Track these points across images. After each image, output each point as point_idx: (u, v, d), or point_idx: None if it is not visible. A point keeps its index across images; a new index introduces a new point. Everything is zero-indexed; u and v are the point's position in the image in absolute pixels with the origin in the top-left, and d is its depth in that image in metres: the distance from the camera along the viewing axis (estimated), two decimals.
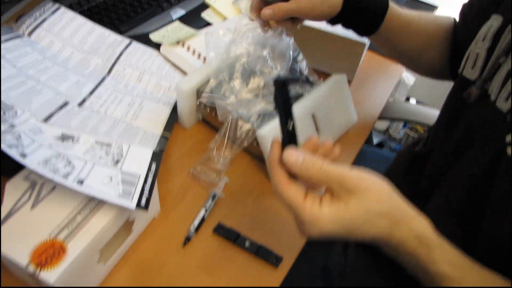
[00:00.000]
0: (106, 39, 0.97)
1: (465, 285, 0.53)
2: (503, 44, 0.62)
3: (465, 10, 0.83)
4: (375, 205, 0.51)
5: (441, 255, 0.54)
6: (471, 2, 0.81)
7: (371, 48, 1.12)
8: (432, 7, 1.32)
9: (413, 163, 0.83)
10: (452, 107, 0.76)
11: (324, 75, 1.02)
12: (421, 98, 2.02)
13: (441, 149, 0.75)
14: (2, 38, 0.85)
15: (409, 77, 1.87)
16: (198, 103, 0.82)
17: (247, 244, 0.68)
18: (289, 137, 0.54)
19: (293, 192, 0.51)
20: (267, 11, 0.73)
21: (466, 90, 0.69)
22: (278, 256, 0.68)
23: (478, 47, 0.67)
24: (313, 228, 0.50)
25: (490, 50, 0.65)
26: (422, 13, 0.84)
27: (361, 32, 0.82)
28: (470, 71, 0.68)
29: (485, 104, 0.64)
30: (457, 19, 0.85)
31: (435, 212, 0.65)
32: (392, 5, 0.79)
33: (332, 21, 0.78)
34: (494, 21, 0.65)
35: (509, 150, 0.56)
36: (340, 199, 0.50)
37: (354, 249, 0.82)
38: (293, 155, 0.52)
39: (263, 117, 0.78)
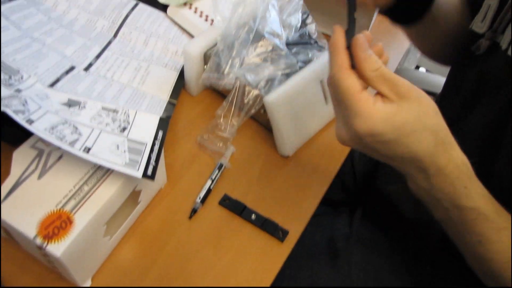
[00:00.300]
0: (112, 0, 0.95)
1: (500, 225, 0.52)
2: None
3: None
4: (425, 116, 0.49)
5: (478, 189, 0.52)
6: None
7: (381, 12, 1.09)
8: None
9: None
10: (462, 63, 0.73)
11: None
12: (430, 67, 1.98)
13: (450, 105, 0.73)
14: None
15: None
16: (205, 67, 0.80)
17: (253, 217, 0.68)
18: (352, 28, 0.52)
19: (353, 80, 0.48)
20: None
21: (475, 43, 0.68)
22: (284, 230, 0.68)
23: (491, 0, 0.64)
24: (365, 123, 0.47)
25: (503, 2, 0.63)
26: None
27: (408, 19, 0.77)
28: (479, 25, 0.66)
29: (496, 54, 0.63)
30: None
31: None
32: None
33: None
34: None
35: None
36: (392, 102, 0.48)
37: (359, 219, 0.82)
38: (364, 43, 0.49)
39: (272, 83, 0.76)
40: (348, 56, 0.50)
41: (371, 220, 0.82)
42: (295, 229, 0.69)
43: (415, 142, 0.49)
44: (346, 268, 0.77)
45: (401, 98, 0.48)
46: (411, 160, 0.51)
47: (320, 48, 0.85)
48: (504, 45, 0.61)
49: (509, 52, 0.60)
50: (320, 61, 0.78)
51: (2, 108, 0.55)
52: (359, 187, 0.92)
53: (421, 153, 0.50)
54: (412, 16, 0.75)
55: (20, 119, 0.56)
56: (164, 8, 0.97)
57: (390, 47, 1.03)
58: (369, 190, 0.87)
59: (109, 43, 0.87)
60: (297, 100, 0.75)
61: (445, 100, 0.77)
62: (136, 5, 0.96)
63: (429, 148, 0.50)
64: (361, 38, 0.49)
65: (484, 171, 0.60)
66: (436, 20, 0.75)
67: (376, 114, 0.47)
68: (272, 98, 0.71)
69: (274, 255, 0.66)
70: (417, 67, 2.00)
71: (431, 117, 0.50)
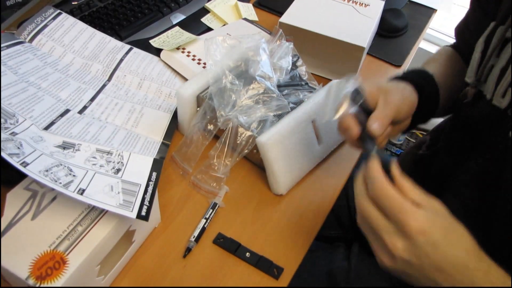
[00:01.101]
0: (107, 45, 0.97)
1: None
2: (494, 45, 0.64)
3: (461, 27, 0.85)
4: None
5: (497, 273, 0.51)
6: (466, 19, 0.83)
7: (370, 52, 1.12)
8: (431, 10, 1.32)
9: (417, 165, 0.84)
10: (453, 110, 0.77)
11: (324, 80, 1.02)
12: None
13: (445, 150, 0.76)
14: (4, 44, 0.85)
15: None
16: (198, 110, 0.82)
17: (247, 255, 0.68)
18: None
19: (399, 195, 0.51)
20: (375, 124, 0.62)
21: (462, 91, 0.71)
22: (278, 268, 0.68)
23: (476, 51, 0.68)
24: (416, 220, 0.49)
25: (484, 53, 0.67)
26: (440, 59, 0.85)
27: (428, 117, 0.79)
28: (469, 75, 0.69)
29: (482, 103, 0.66)
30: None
31: None
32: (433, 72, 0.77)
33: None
34: (490, 26, 0.67)
35: None
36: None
37: (357, 253, 0.82)
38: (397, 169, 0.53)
39: (264, 124, 0.78)
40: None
41: (368, 255, 0.82)
42: (290, 266, 0.69)
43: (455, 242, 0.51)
44: None
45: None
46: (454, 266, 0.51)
47: (311, 89, 0.87)
48: (488, 95, 0.65)
49: (494, 102, 0.63)
50: (312, 101, 0.80)
51: None
52: (355, 223, 0.92)
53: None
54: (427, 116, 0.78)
55: (14, 162, 0.57)
56: (157, 52, 1.00)
57: None
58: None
59: (103, 86, 0.88)
60: (289, 140, 0.76)
61: (440, 144, 0.79)
62: (130, 49, 0.98)
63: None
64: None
65: (482, 220, 0.62)
66: (443, 99, 0.78)
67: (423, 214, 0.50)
68: (265, 139, 0.73)
69: None
70: None
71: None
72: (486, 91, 0.65)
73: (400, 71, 1.10)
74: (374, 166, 0.54)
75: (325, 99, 0.70)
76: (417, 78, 0.74)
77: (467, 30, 0.82)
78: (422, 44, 1.76)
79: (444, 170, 0.74)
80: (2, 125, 0.66)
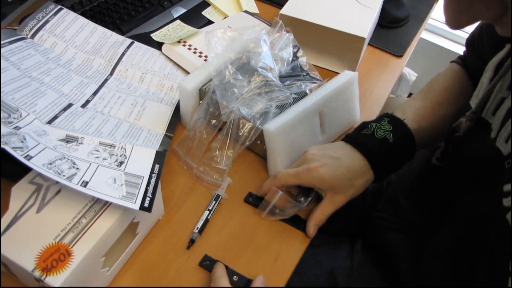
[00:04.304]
0: (108, 40, 0.98)
1: None
2: (505, 77, 0.58)
3: (474, 39, 0.81)
4: None
5: None
6: (480, 30, 0.79)
7: (371, 43, 1.12)
8: (432, 0, 1.31)
9: (428, 174, 0.80)
10: (450, 139, 0.73)
11: (324, 71, 1.02)
12: None
13: (451, 174, 0.71)
14: (6, 40, 0.86)
15: (410, 73, 1.86)
16: (200, 102, 0.82)
17: (234, 278, 0.67)
18: None
19: None
20: (311, 228, 0.72)
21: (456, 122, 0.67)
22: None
23: (485, 76, 0.63)
24: None
25: (492, 80, 0.61)
26: (437, 99, 0.82)
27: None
28: (474, 100, 0.65)
29: (482, 140, 0.61)
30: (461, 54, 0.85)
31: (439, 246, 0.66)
32: (415, 128, 0.76)
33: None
34: (503, 51, 0.61)
35: (506, 202, 0.51)
36: None
37: (360, 252, 0.82)
38: None
39: (266, 115, 0.78)
40: None
41: (371, 254, 0.82)
42: (293, 258, 0.70)
43: None
44: None
45: None
46: None
47: (313, 80, 0.87)
48: (493, 134, 0.58)
49: (497, 144, 0.56)
50: (320, 93, 0.80)
51: (1, 145, 0.56)
52: (357, 218, 0.92)
53: None
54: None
55: (18, 155, 0.57)
56: (159, 45, 1.00)
57: (381, 76, 1.05)
58: (368, 224, 0.87)
59: (105, 80, 0.89)
60: (295, 130, 0.77)
61: (448, 160, 0.74)
62: (131, 43, 0.98)
63: None
64: None
65: (467, 268, 0.59)
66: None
67: None
68: (273, 128, 0.73)
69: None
70: (410, 95, 2.03)
71: None
72: (493, 125, 0.58)
73: (401, 61, 1.10)
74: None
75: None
76: (374, 146, 0.73)
77: (480, 46, 0.78)
78: (423, 34, 1.75)
79: (449, 193, 0.69)
80: (6, 120, 0.66)
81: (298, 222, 0.73)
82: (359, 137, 0.75)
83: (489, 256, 0.54)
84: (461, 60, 0.88)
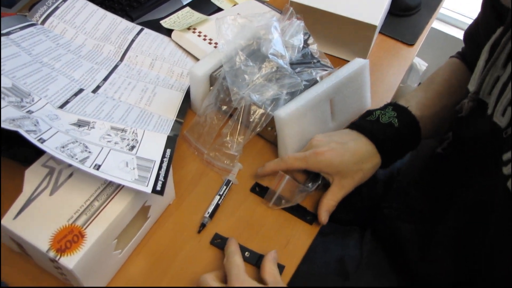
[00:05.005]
0: (118, 26, 0.98)
1: None
2: (500, 56, 0.59)
3: (471, 31, 0.82)
4: None
5: None
6: (477, 22, 0.81)
7: (382, 31, 1.12)
8: None
9: (433, 163, 0.81)
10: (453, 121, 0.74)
11: (335, 59, 1.02)
12: None
13: (454, 159, 0.72)
14: (17, 26, 0.86)
15: (421, 63, 1.85)
16: (210, 89, 0.82)
17: (246, 254, 0.67)
18: None
19: None
20: (322, 215, 0.71)
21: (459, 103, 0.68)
22: (280, 266, 0.67)
23: (481, 59, 0.64)
24: None
25: (488, 62, 0.62)
26: (438, 86, 0.84)
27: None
28: (472, 82, 0.66)
29: (481, 118, 0.62)
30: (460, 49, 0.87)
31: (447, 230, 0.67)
32: (419, 114, 0.77)
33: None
34: (497, 32, 0.62)
35: (506, 171, 0.53)
36: None
37: (370, 241, 0.82)
38: None
39: (277, 102, 0.78)
40: None
41: (380, 243, 0.82)
42: (303, 244, 0.70)
43: None
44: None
45: None
46: None
47: (323, 67, 0.87)
48: (490, 109, 0.60)
49: (494, 119, 0.58)
50: (331, 80, 0.80)
51: (15, 128, 0.56)
52: (367, 208, 0.92)
53: None
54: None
55: (32, 138, 0.57)
56: (168, 32, 1.00)
57: (391, 65, 1.04)
58: (377, 214, 0.87)
59: (115, 66, 0.89)
60: (306, 117, 0.76)
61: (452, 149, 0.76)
62: (141, 30, 0.98)
63: None
64: None
65: (471, 256, 0.61)
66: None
67: None
68: (284, 114, 0.73)
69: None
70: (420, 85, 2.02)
71: None
72: (489, 104, 0.60)
73: (412, 50, 1.10)
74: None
75: None
76: (380, 133, 0.74)
77: (477, 35, 0.79)
78: (435, 24, 1.74)
79: (454, 180, 0.71)
80: (18, 104, 0.66)
81: (304, 214, 0.73)
82: (364, 123, 0.76)
83: (493, 229, 0.56)
84: (460, 55, 0.89)
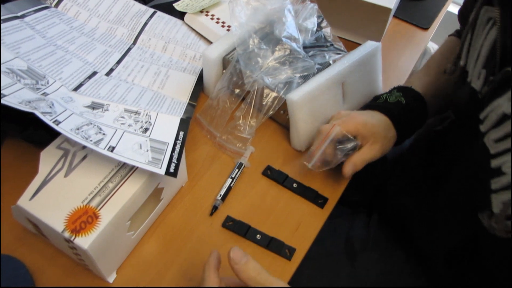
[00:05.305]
0: (131, 9, 0.98)
1: None
2: (479, 26, 0.62)
3: (462, 11, 0.84)
4: None
5: None
6: (465, 2, 0.82)
7: (396, 15, 1.10)
8: None
9: (431, 141, 0.84)
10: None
11: (348, 43, 1.01)
12: None
13: (452, 134, 0.76)
14: (31, 9, 0.86)
15: (434, 47, 1.83)
16: (223, 72, 0.82)
17: (258, 237, 0.68)
18: None
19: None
20: (348, 168, 0.70)
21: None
22: (290, 248, 0.68)
23: (467, 33, 0.66)
24: None
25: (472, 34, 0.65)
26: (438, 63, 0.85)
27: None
28: (462, 58, 0.68)
29: (465, 86, 0.65)
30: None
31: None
32: (424, 92, 0.79)
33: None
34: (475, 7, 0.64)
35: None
36: None
37: (377, 222, 0.83)
38: (239, 252, 0.52)
39: (290, 85, 0.78)
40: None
41: (387, 225, 0.84)
42: (315, 226, 0.70)
43: None
44: (364, 271, 0.78)
45: None
46: None
47: (337, 51, 0.86)
48: (469, 76, 0.63)
49: (472, 84, 0.62)
50: (343, 63, 0.80)
51: (32, 110, 0.57)
52: (374, 188, 0.93)
53: None
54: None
55: (47, 120, 0.58)
56: (181, 15, 1.00)
57: (405, 49, 1.04)
58: (384, 195, 0.89)
59: (129, 49, 0.89)
60: (318, 100, 0.76)
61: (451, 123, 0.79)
62: (154, 13, 0.98)
63: None
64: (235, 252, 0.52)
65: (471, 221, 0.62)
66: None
67: None
68: (296, 98, 0.73)
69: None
70: None
71: None
72: (469, 72, 0.64)
73: (427, 34, 1.08)
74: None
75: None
76: (397, 113, 0.75)
77: (466, 12, 0.80)
78: (451, 8, 1.71)
79: (452, 152, 0.73)
80: (34, 86, 0.67)
81: (316, 198, 0.74)
82: (375, 104, 0.78)
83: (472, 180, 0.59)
84: (457, 33, 0.90)
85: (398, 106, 0.76)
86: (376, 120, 0.73)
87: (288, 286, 0.51)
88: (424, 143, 0.87)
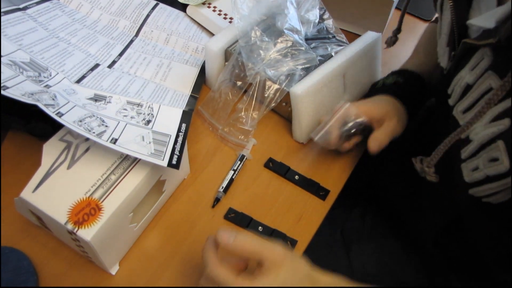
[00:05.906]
0: (133, 1, 0.98)
1: None
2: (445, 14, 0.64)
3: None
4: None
5: None
6: None
7: (398, 6, 1.10)
8: None
9: (421, 124, 0.86)
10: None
11: (350, 35, 1.01)
12: None
13: (435, 117, 0.77)
14: (34, 1, 0.86)
15: None
16: (225, 64, 0.82)
17: (260, 228, 0.69)
18: None
19: (226, 271, 0.52)
20: (373, 143, 0.71)
21: None
22: (292, 240, 0.68)
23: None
24: None
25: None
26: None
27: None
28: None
29: (441, 71, 0.68)
30: None
31: None
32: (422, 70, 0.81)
33: None
34: None
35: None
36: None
37: (372, 215, 0.84)
38: (226, 233, 0.52)
39: (292, 77, 0.78)
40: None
41: (384, 216, 0.84)
42: (318, 215, 0.70)
43: None
44: (359, 261, 0.79)
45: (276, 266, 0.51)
46: None
47: (339, 42, 0.86)
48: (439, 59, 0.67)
49: (441, 64, 0.66)
50: (345, 55, 0.80)
51: (35, 102, 0.57)
52: (373, 179, 0.93)
53: None
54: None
55: (50, 112, 0.58)
56: (183, 7, 1.00)
57: (407, 40, 1.03)
58: (376, 184, 0.90)
59: (131, 41, 0.89)
60: (321, 92, 0.77)
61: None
62: (156, 5, 0.98)
63: None
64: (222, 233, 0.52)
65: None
66: None
67: None
68: (300, 91, 0.73)
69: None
70: None
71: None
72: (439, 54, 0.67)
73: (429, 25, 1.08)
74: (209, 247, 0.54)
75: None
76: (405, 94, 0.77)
77: None
78: None
79: (435, 133, 0.73)
80: (36, 78, 0.67)
81: (318, 190, 0.74)
82: (375, 90, 0.80)
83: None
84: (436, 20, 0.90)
85: (397, 86, 0.78)
86: (382, 100, 0.75)
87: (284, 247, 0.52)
88: (409, 131, 0.87)
